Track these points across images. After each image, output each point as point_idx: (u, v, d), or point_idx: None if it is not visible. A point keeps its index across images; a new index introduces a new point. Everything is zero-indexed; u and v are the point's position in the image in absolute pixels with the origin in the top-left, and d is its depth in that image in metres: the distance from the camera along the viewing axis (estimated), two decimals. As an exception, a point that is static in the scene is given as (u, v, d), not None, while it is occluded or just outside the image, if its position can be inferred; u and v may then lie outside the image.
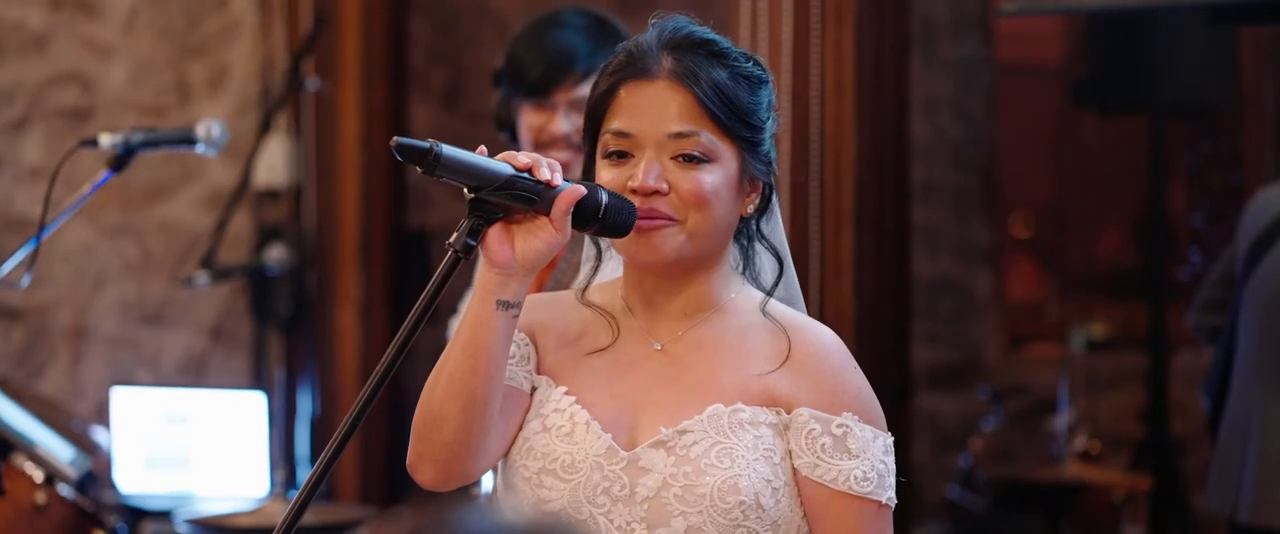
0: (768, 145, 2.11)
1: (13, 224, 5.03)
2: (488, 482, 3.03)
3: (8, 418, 3.37)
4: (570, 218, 2.00)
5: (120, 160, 3.08)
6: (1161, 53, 5.10)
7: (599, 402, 2.07)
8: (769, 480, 2.00)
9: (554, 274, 3.10)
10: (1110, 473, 5.18)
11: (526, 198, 1.97)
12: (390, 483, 5.13)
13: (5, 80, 5.12)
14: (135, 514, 4.65)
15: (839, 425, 2.02)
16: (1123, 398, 5.90)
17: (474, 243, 1.97)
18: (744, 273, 2.14)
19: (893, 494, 2.05)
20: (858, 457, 2.02)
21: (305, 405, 5.01)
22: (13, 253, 3.07)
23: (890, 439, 2.06)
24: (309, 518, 4.00)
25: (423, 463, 2.07)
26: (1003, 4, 4.02)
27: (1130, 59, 5.29)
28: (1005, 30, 6.32)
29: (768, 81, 2.11)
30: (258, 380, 5.15)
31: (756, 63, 2.11)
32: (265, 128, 5.07)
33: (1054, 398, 5.28)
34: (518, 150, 3.14)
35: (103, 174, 3.09)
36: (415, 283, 5.15)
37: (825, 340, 2.09)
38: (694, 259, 2.07)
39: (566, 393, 2.09)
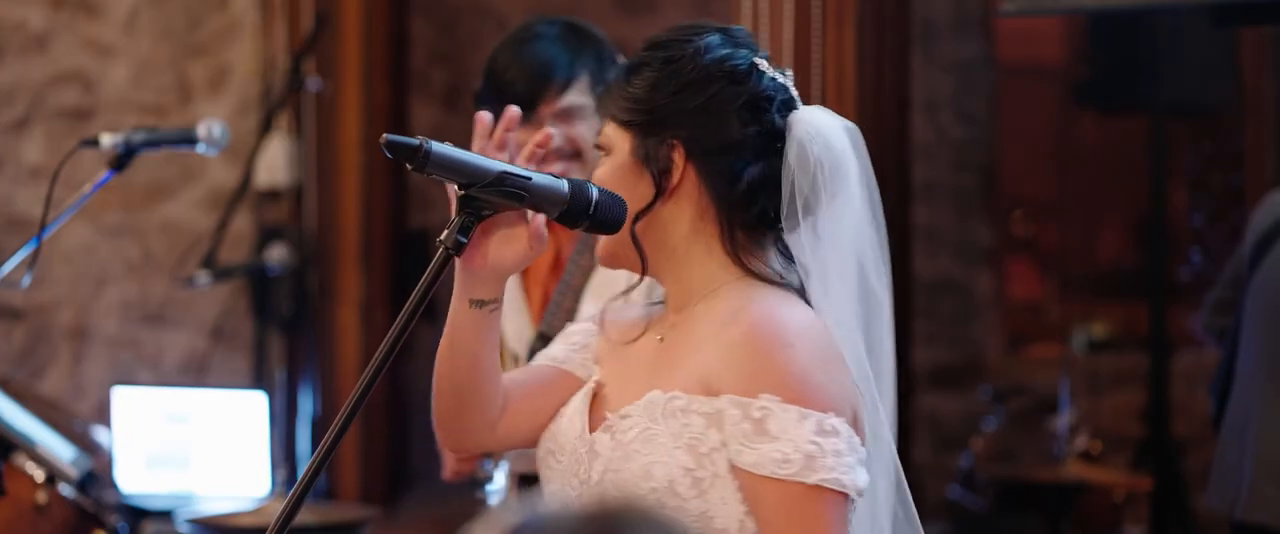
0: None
1: (13, 224, 5.03)
2: (500, 478, 3.05)
3: (9, 418, 3.37)
4: (543, 226, 2.04)
5: (121, 160, 3.08)
6: (1162, 53, 5.10)
7: (606, 390, 2.12)
8: (690, 469, 1.97)
9: (563, 277, 3.11)
10: (1111, 473, 5.17)
11: (516, 194, 1.99)
12: (391, 482, 5.13)
13: (6, 80, 5.12)
14: (136, 514, 4.65)
15: (759, 408, 1.96)
16: (1124, 398, 5.90)
17: (465, 240, 1.99)
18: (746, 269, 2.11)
19: (834, 476, 1.94)
20: (777, 439, 1.94)
21: (306, 405, 5.01)
22: (13, 253, 3.06)
23: (829, 418, 1.95)
24: (311, 517, 4.01)
25: (438, 426, 2.19)
26: (1003, 4, 4.02)
27: (1130, 59, 5.30)
28: (1006, 30, 6.32)
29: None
30: (259, 380, 5.15)
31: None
32: (266, 128, 5.07)
33: (1055, 398, 5.27)
34: None
35: (104, 174, 3.08)
36: (416, 283, 5.15)
37: (756, 320, 2.01)
38: (632, 260, 2.11)
39: (596, 379, 2.15)
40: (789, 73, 2.16)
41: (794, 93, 2.13)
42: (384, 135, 1.93)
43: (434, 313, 2.10)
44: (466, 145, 2.01)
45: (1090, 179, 6.69)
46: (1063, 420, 5.16)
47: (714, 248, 2.09)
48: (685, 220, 2.09)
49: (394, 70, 5.24)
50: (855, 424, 2.01)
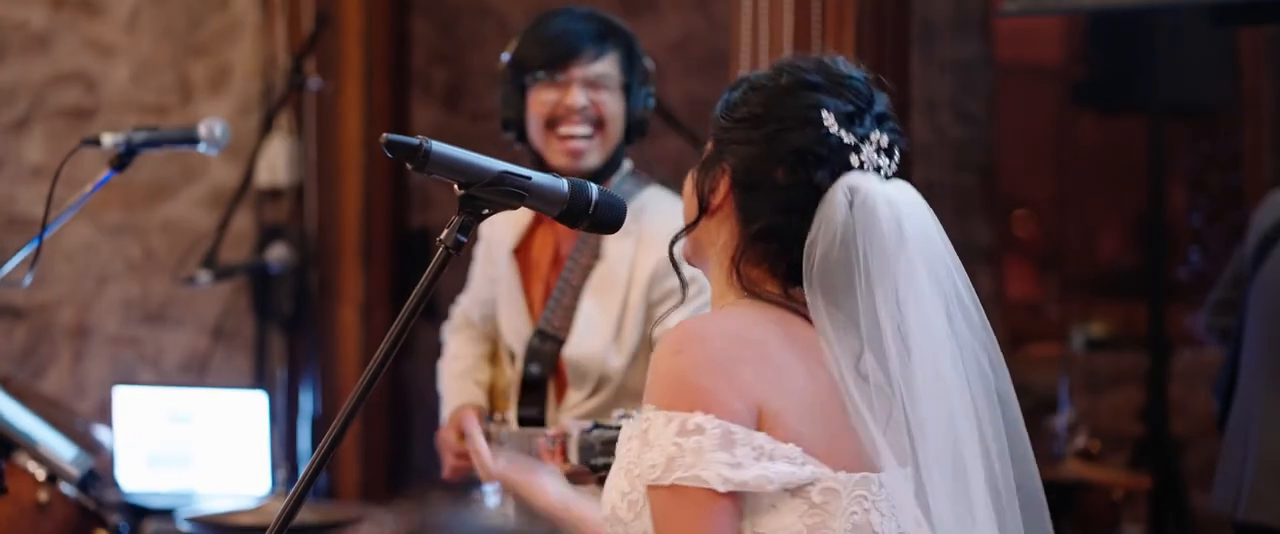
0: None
1: (15, 223, 5.04)
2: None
3: (10, 417, 3.38)
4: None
5: (122, 160, 3.09)
6: (1161, 53, 5.11)
7: None
8: (625, 492, 1.98)
9: (562, 274, 3.12)
10: (1110, 472, 5.18)
11: (516, 194, 2.00)
12: (391, 480, 5.13)
13: (8, 80, 5.13)
14: (137, 513, 4.66)
15: (645, 419, 1.96)
16: (1122, 397, 5.90)
17: (465, 239, 2.00)
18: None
19: (692, 473, 1.92)
20: (652, 446, 1.94)
21: (307, 404, 5.02)
22: (15, 252, 3.07)
23: (694, 417, 1.92)
24: (311, 515, 4.02)
25: None
26: (1003, 4, 4.03)
27: (1130, 59, 5.31)
28: (1005, 30, 6.32)
29: None
30: (259, 379, 5.16)
31: None
32: (267, 127, 5.08)
33: (1054, 397, 5.28)
34: (526, 149, 3.18)
35: (105, 173, 3.09)
36: (416, 282, 5.15)
37: (667, 334, 2.01)
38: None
39: None
40: (881, 133, 2.08)
41: (866, 158, 2.06)
42: (384, 135, 1.95)
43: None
44: (466, 145, 2.02)
45: (1089, 179, 6.70)
46: (1061, 419, 5.16)
47: (729, 272, 2.08)
48: (719, 242, 2.09)
49: (394, 70, 5.24)
50: (762, 421, 1.95)
